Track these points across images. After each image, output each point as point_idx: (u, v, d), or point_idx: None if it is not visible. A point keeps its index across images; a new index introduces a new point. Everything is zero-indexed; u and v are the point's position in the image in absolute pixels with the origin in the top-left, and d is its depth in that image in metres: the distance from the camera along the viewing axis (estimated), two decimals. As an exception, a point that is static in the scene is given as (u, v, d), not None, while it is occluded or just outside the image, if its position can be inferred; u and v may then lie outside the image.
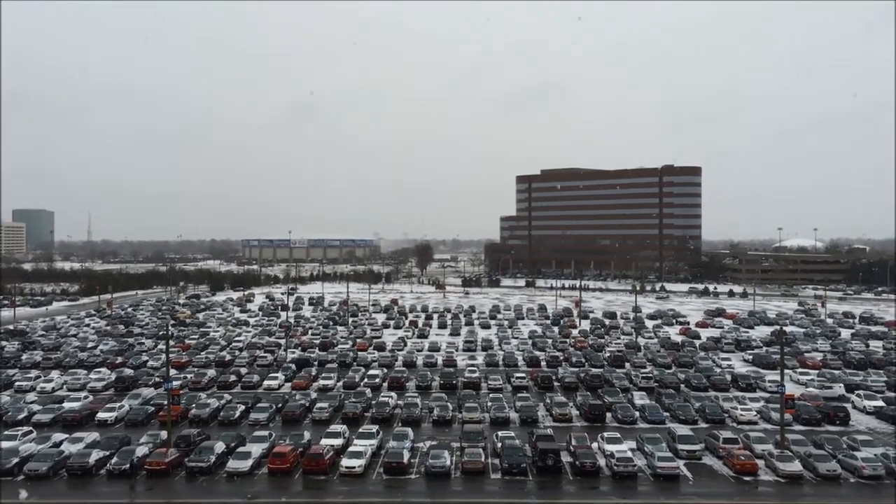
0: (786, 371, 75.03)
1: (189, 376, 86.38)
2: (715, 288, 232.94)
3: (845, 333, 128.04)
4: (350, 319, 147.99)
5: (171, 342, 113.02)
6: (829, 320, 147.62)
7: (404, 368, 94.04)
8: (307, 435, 60.83)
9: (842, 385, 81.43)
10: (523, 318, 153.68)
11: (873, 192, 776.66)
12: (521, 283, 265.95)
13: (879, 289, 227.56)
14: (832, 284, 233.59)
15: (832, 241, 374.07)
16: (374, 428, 61.60)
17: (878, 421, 69.47)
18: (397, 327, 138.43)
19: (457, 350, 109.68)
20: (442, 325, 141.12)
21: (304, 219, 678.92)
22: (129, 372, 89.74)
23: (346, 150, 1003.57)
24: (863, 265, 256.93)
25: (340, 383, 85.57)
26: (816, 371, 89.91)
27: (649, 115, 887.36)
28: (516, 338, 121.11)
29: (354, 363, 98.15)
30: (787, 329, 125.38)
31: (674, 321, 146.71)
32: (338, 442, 58.07)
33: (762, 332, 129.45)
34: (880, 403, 72.49)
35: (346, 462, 53.05)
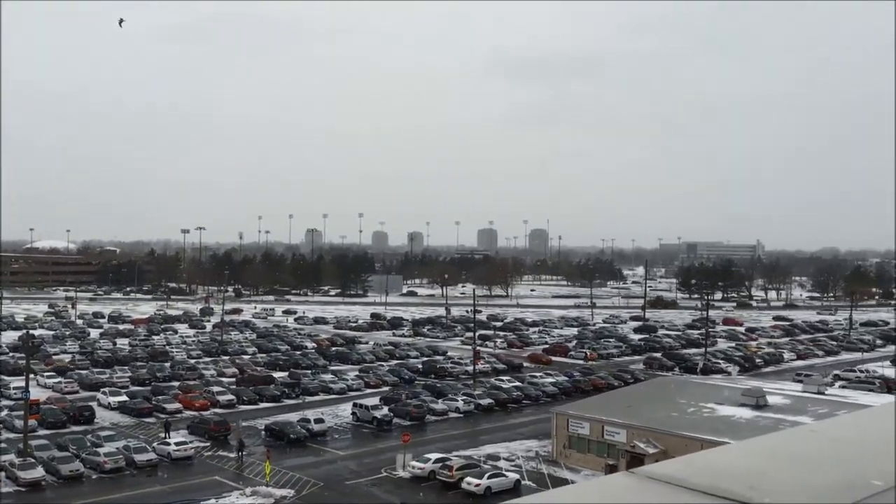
0: (32, 376, 72.93)
1: None
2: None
3: (95, 333, 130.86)
4: None
5: None
6: (80, 321, 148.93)
7: None
8: None
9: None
10: None
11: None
12: None
13: (129, 289, 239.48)
14: (84, 286, 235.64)
15: (85, 242, 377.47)
16: None
17: (122, 415, 72.90)
18: None
19: None
20: None
21: None
22: None
23: None
24: (113, 266, 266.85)
25: None
26: (64, 373, 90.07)
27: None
28: None
29: None
30: (37, 332, 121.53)
31: None
32: None
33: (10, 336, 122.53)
34: (124, 398, 76.29)
35: None
